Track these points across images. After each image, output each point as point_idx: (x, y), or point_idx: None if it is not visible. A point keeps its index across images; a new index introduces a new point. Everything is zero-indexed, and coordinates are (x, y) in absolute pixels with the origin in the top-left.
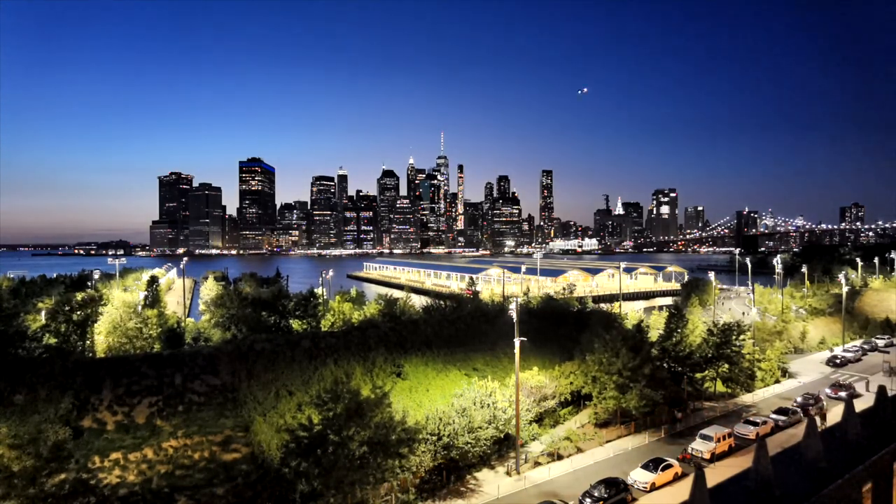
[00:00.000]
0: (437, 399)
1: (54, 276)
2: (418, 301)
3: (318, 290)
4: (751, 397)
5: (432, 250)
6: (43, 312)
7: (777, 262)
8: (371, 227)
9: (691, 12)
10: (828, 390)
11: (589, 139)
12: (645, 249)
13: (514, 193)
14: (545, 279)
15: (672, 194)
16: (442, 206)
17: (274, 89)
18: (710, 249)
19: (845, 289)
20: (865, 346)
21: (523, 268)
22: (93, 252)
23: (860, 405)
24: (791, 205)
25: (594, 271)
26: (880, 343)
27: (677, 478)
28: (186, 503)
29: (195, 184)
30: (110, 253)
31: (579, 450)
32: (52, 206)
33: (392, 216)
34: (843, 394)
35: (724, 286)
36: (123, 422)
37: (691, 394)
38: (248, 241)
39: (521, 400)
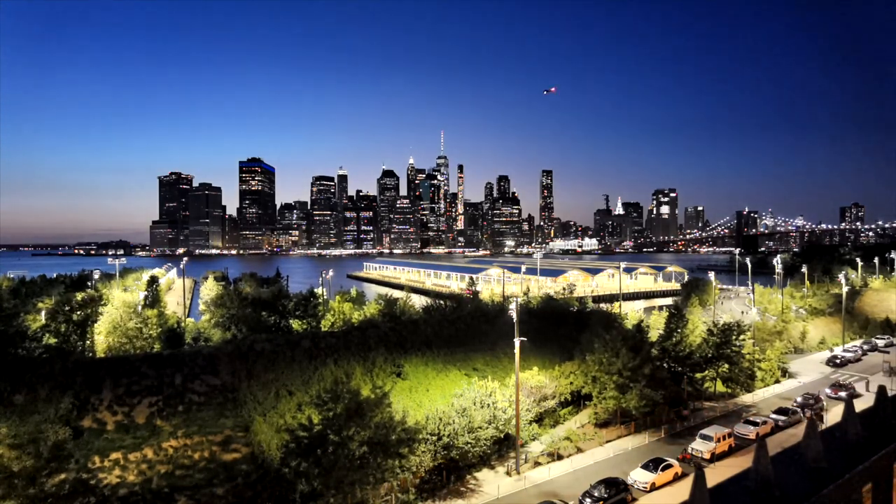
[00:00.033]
0: (437, 399)
1: (54, 276)
2: (418, 301)
3: (318, 290)
4: (751, 397)
5: (432, 250)
6: (43, 312)
7: (777, 262)
8: (371, 227)
9: (691, 12)
10: (828, 390)
11: (589, 139)
12: (645, 249)
13: (514, 193)
14: (545, 279)
15: (672, 194)
16: (442, 206)
17: (274, 89)
18: (710, 249)
19: (845, 289)
20: (865, 346)
21: (523, 268)
22: (93, 252)
23: (860, 405)
24: (791, 205)
25: (594, 271)
26: (880, 343)
27: (677, 478)
28: (186, 503)
29: (195, 184)
30: (110, 253)
31: (579, 450)
32: (52, 206)
33: (392, 216)
34: (843, 394)
35: (724, 286)
36: (123, 422)
37: (691, 394)
38: (248, 241)
39: (521, 400)
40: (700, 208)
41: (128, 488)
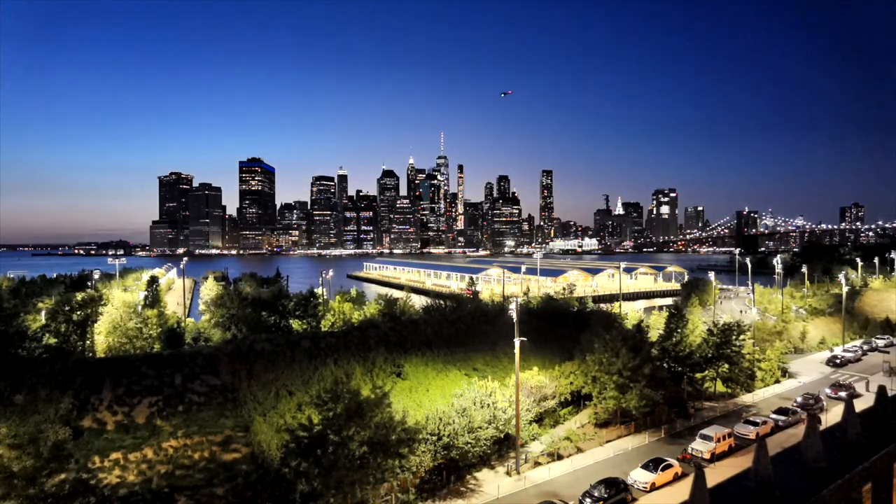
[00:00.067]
0: (437, 399)
1: (54, 276)
2: (418, 301)
3: (318, 290)
4: (751, 397)
5: (432, 250)
6: (43, 312)
7: (777, 262)
8: (371, 227)
9: (691, 12)
10: (828, 390)
11: (589, 139)
12: (645, 249)
13: (514, 193)
14: (545, 279)
15: (672, 194)
16: (442, 206)
17: (274, 89)
18: (710, 249)
19: (845, 289)
20: (865, 346)
21: (523, 268)
22: (93, 252)
23: (860, 405)
24: (791, 205)
25: (594, 271)
26: (880, 343)
27: (677, 478)
28: (186, 503)
29: (195, 184)
30: (110, 253)
31: (579, 450)
32: (52, 206)
33: (392, 216)
34: (843, 394)
35: (724, 286)
36: (123, 422)
37: (691, 394)
38: (248, 241)
39: (521, 400)
40: (700, 208)
41: (128, 488)
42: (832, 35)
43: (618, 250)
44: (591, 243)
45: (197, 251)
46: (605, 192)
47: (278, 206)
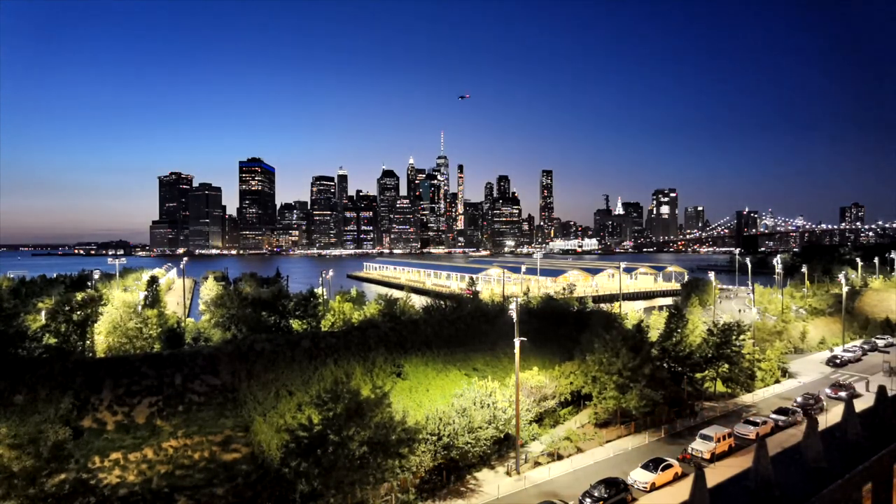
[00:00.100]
0: (437, 399)
1: (54, 276)
2: (418, 301)
3: (318, 290)
4: (751, 397)
5: (432, 250)
6: (43, 312)
7: (777, 262)
8: (371, 227)
9: (691, 12)
10: (828, 390)
11: (589, 139)
12: (645, 249)
13: (514, 193)
14: (545, 279)
15: (672, 194)
16: (442, 206)
17: (274, 89)
18: (710, 249)
19: (845, 289)
20: (865, 346)
21: (523, 268)
22: (93, 252)
23: (860, 405)
24: (791, 205)
25: (594, 271)
26: (880, 343)
27: (677, 478)
28: (186, 503)
29: (195, 184)
30: (110, 253)
31: (579, 450)
32: (52, 206)
33: (392, 216)
34: (843, 394)
35: (724, 286)
36: (123, 422)
37: (691, 394)
38: (248, 241)
39: (521, 400)
40: (700, 208)
41: (128, 488)
42: (832, 35)
43: (618, 250)
44: (591, 243)
45: (197, 251)
46: (605, 192)
47: (278, 206)
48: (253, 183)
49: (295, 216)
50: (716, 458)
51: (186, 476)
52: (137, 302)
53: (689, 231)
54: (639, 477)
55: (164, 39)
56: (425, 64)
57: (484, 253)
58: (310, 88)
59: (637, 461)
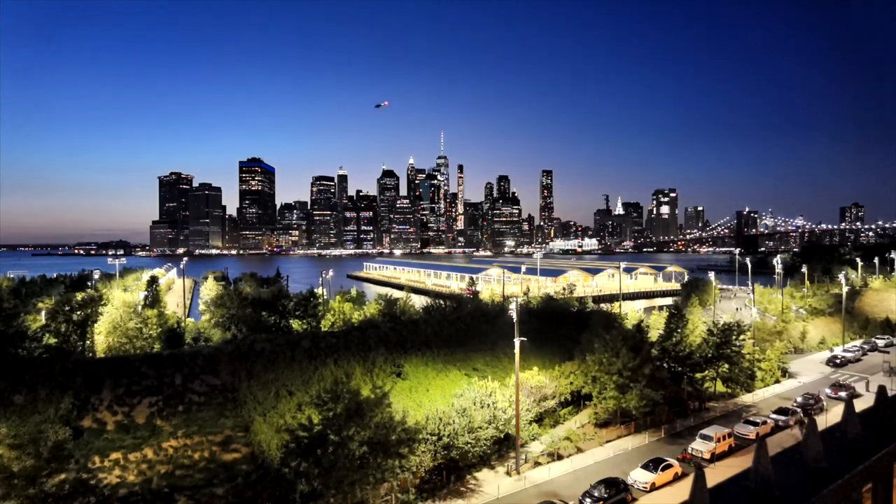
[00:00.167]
0: (437, 399)
1: (54, 276)
2: (418, 301)
3: (318, 290)
4: (751, 397)
5: (432, 250)
6: (43, 312)
7: (777, 262)
8: (371, 227)
9: (691, 12)
10: (828, 390)
11: (589, 139)
12: (645, 249)
13: (514, 193)
14: (545, 279)
15: (672, 194)
16: (442, 206)
17: (274, 89)
18: (710, 249)
19: (845, 289)
20: (865, 346)
21: (523, 268)
22: (93, 252)
23: (860, 405)
24: (791, 205)
25: (594, 271)
26: (880, 343)
27: (677, 478)
28: (186, 503)
29: (195, 184)
30: (110, 253)
31: (579, 450)
32: (52, 206)
33: (392, 216)
34: (843, 394)
35: (724, 286)
36: (123, 422)
37: (691, 394)
38: (248, 241)
39: (521, 400)
40: (700, 208)
41: (128, 488)
42: (832, 35)
43: (618, 250)
44: (591, 243)
45: (197, 251)
46: (605, 192)
47: (278, 206)
48: (253, 183)
49: (295, 216)
50: (716, 458)
51: (186, 476)
52: (137, 302)
53: (689, 231)
54: (639, 477)
55: (164, 39)
56: (425, 64)
57: (484, 253)
58: (310, 88)
59: (637, 461)
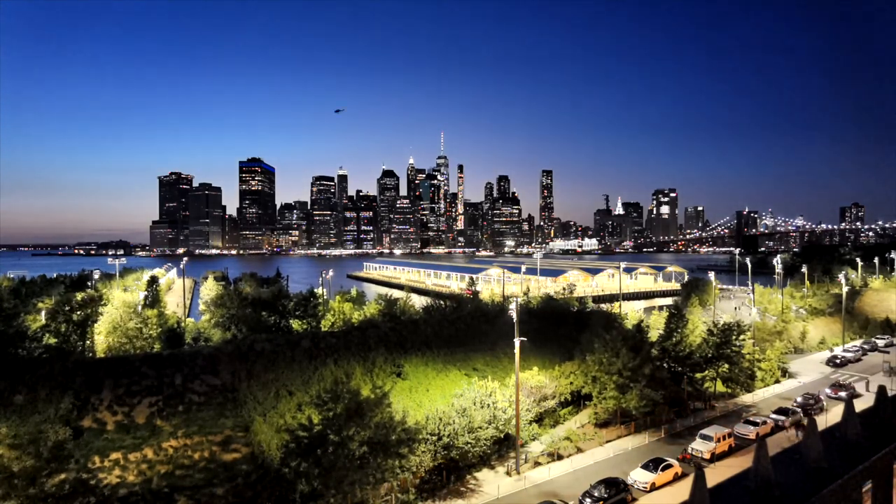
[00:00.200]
0: (437, 399)
1: (54, 276)
2: (418, 301)
3: (318, 290)
4: (751, 397)
5: (432, 250)
6: (43, 312)
7: (777, 262)
8: (371, 227)
9: (691, 12)
10: (828, 390)
11: (589, 139)
12: (645, 249)
13: (514, 193)
14: (545, 279)
15: (672, 194)
16: (442, 206)
17: (274, 89)
18: (710, 249)
19: (845, 289)
20: (865, 346)
21: (523, 268)
22: (93, 252)
23: (860, 405)
24: (791, 205)
25: (594, 271)
26: (880, 343)
27: (677, 478)
28: (186, 503)
29: (195, 184)
30: (110, 253)
31: (579, 450)
32: (52, 206)
33: (392, 216)
34: (843, 394)
35: (724, 286)
36: (123, 422)
37: (691, 394)
38: (248, 241)
39: (521, 400)
40: (700, 208)
41: (128, 488)
42: (832, 35)
43: (618, 250)
44: (591, 243)
45: (197, 251)
46: (605, 192)
47: (278, 206)
48: (253, 183)
49: (295, 216)
50: (716, 458)
51: (186, 476)
52: (137, 302)
53: (689, 231)
54: (639, 477)
55: (164, 39)
56: (425, 64)
57: (484, 253)
58: (310, 88)
59: (637, 461)
